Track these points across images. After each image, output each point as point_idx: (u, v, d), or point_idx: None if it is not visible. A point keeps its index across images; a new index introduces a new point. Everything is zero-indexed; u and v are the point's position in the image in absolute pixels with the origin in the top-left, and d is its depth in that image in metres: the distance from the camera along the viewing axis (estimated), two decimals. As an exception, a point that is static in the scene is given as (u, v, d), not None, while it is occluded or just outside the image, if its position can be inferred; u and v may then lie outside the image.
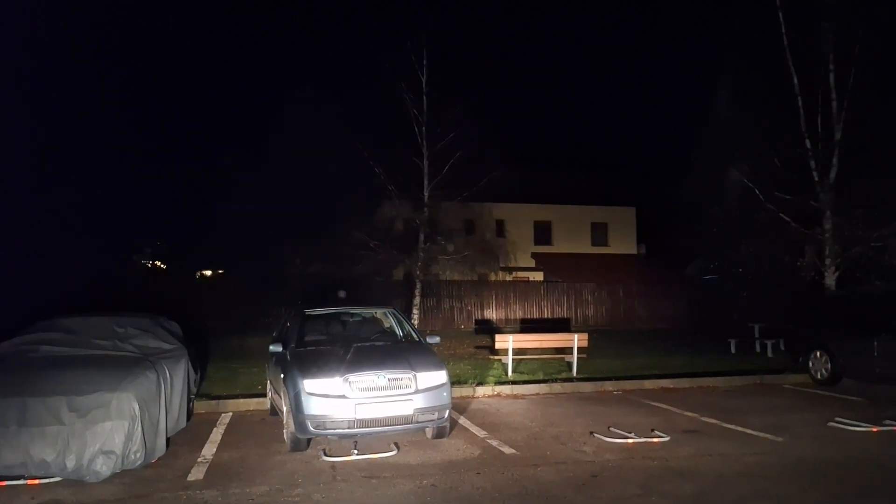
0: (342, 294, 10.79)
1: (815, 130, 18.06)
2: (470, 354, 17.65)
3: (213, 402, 11.14)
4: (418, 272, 21.81)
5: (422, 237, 21.51)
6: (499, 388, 12.71)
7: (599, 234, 39.99)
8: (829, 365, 13.45)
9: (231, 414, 10.74)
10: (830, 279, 18.05)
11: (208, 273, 34.38)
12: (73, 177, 32.16)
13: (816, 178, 18.04)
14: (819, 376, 13.67)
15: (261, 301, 24.24)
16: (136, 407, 7.21)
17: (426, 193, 21.32)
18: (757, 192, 18.48)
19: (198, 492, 6.59)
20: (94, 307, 11.22)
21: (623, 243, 40.26)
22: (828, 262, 18.07)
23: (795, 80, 18.13)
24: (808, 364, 14.00)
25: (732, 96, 19.09)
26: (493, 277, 27.05)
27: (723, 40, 19.32)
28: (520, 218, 35.29)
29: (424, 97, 20.98)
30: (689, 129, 20.36)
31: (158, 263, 50.01)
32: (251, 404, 11.23)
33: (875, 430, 9.12)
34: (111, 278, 27.43)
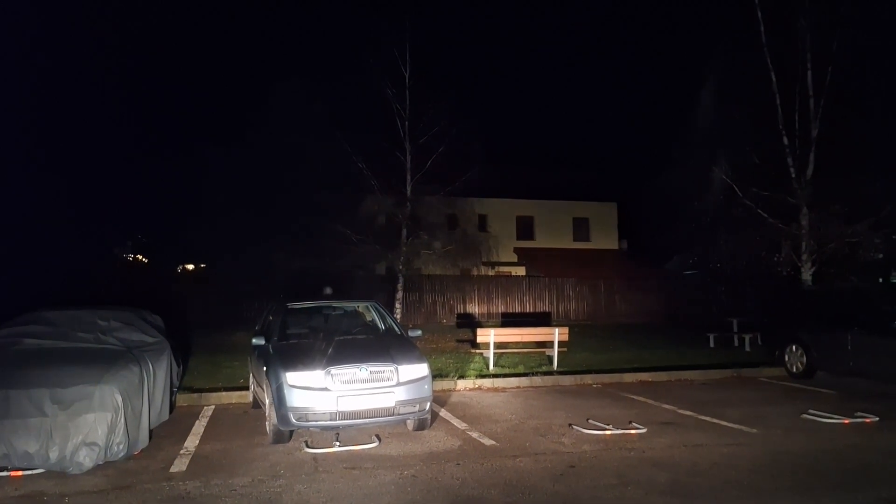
0: (328, 291, 10.82)
1: (792, 128, 18.32)
2: (451, 348, 17.76)
3: (196, 394, 11.20)
4: (401, 267, 21.88)
5: (404, 232, 21.58)
6: (480, 382, 12.82)
7: (581, 229, 40.22)
8: (805, 358, 13.66)
9: (213, 407, 10.79)
10: (806, 274, 18.33)
11: (191, 267, 34.32)
12: (52, 169, 32.00)
13: (793, 175, 18.30)
14: (794, 370, 13.88)
15: (243, 295, 24.26)
16: (119, 399, 7.26)
17: (409, 188, 21.40)
18: (735, 188, 18.72)
19: (180, 483, 6.66)
20: (73, 300, 11.21)
21: (604, 238, 40.53)
22: (804, 257, 18.34)
23: (773, 78, 18.37)
24: (783, 358, 14.20)
25: (712, 94, 19.29)
26: (475, 272, 27.18)
27: (703, 39, 19.54)
28: (502, 213, 35.45)
29: (407, 92, 21.05)
30: (670, 126, 20.54)
31: (140, 257, 49.80)
32: (233, 397, 11.30)
33: (846, 422, 9.32)
34: (91, 272, 27.34)
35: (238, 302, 24.28)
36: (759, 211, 18.53)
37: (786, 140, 18.32)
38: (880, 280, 22.58)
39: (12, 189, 28.46)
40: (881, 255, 20.97)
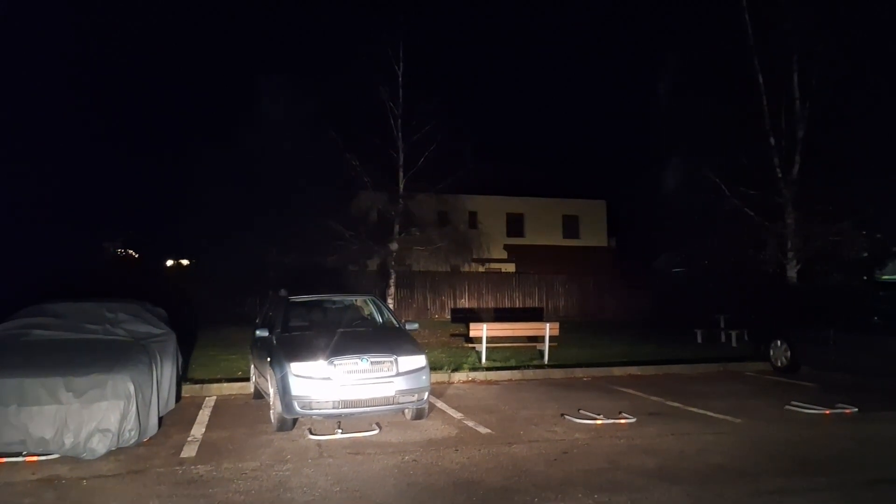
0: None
1: (779, 128, 18.70)
2: (443, 343, 18.07)
3: (197, 386, 11.48)
4: (393, 263, 22.13)
5: (396, 228, 21.83)
6: (473, 375, 13.16)
7: (571, 226, 40.64)
8: (789, 353, 14.07)
9: (215, 398, 11.07)
10: (792, 272, 18.74)
11: (185, 262, 34.38)
12: (40, 164, 31.91)
13: (780, 175, 18.69)
14: (779, 364, 14.29)
15: (234, 290, 24.44)
16: (131, 388, 7.52)
17: (401, 185, 21.64)
18: (723, 186, 19.09)
19: (192, 467, 6.95)
20: (67, 295, 11.33)
21: (594, 236, 40.96)
22: (789, 255, 18.75)
23: (761, 80, 18.76)
24: (769, 352, 14.62)
25: (701, 94, 19.63)
26: (466, 269, 27.48)
27: (691, 40, 19.85)
28: (493, 210, 35.80)
29: (400, 89, 21.29)
30: (659, 126, 20.85)
31: (130, 252, 49.75)
32: (234, 388, 11.58)
33: (827, 412, 9.71)
34: (80, 266, 27.40)
35: (230, 297, 24.48)
36: (746, 209, 18.91)
37: (772, 140, 18.71)
38: (864, 278, 23.03)
39: (2, 185, 28.44)
40: (866, 254, 21.42)
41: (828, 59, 17.92)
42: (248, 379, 11.56)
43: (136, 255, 49.06)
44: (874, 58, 17.99)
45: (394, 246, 22.15)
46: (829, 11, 17.92)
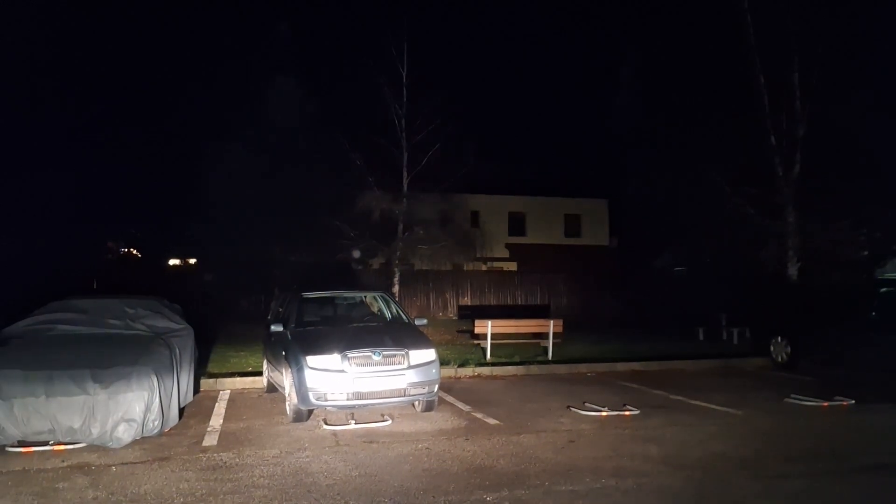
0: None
1: (779, 127, 18.92)
2: (447, 340, 18.30)
3: (212, 380, 11.76)
4: (397, 262, 22.35)
5: (400, 227, 22.05)
6: (479, 370, 13.44)
7: (572, 225, 40.81)
8: (789, 349, 14.37)
9: (229, 391, 11.36)
10: (792, 270, 18.97)
11: (193, 261, 34.63)
12: (46, 163, 32.10)
13: (780, 174, 18.92)
14: (779, 360, 14.58)
15: (240, 288, 24.70)
16: (155, 379, 7.81)
17: (405, 184, 21.84)
18: (724, 185, 19.31)
19: (215, 455, 7.25)
20: (75, 292, 11.53)
21: (595, 235, 41.10)
22: (790, 253, 18.98)
23: (762, 80, 18.97)
24: (769, 349, 14.91)
25: (703, 94, 19.85)
26: (468, 267, 27.69)
27: (694, 40, 20.07)
28: (495, 209, 36.01)
29: (404, 90, 21.46)
30: (661, 125, 21.10)
31: (133, 251, 50.02)
32: (247, 383, 11.87)
33: (825, 405, 10.01)
34: (85, 265, 27.64)
35: (235, 295, 24.73)
36: (747, 208, 19.14)
37: (773, 140, 18.92)
38: (865, 275, 23.25)
39: (10, 185, 28.66)
40: (866, 253, 21.64)
41: (828, 58, 18.14)
42: (260, 373, 11.85)
43: (140, 255, 49.33)
44: (873, 58, 18.21)
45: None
46: (830, 11, 18.13)
